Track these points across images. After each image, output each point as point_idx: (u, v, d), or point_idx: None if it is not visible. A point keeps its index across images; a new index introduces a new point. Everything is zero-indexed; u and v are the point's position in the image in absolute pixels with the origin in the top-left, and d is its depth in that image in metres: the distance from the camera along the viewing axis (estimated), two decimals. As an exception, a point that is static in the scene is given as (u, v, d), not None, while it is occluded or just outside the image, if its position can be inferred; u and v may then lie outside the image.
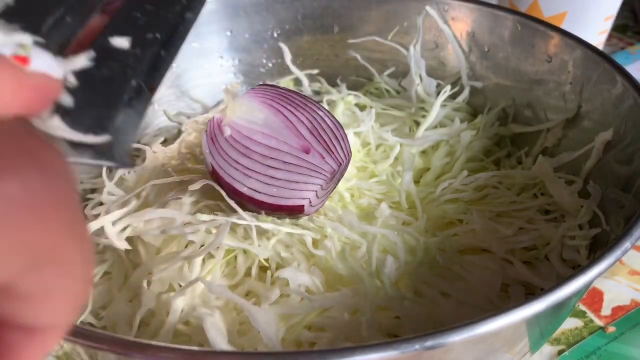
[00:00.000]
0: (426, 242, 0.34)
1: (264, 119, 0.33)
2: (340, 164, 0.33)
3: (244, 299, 0.30)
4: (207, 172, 0.34)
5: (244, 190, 0.31)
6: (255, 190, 0.31)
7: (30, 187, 0.13)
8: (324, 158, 0.32)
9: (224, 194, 0.32)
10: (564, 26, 0.47)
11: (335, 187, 0.35)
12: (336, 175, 0.33)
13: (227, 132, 0.32)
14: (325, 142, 0.33)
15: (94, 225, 0.33)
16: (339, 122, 0.34)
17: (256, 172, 0.32)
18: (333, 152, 0.33)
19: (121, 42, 0.19)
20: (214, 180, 0.33)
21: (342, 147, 0.33)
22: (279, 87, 0.35)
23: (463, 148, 0.43)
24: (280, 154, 0.32)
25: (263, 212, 0.33)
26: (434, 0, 0.46)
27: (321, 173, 0.32)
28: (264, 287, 0.33)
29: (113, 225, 0.33)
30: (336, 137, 0.33)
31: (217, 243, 0.31)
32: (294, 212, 0.32)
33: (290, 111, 0.33)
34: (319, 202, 0.33)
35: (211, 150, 0.33)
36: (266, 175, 0.31)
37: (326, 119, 0.34)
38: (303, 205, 0.32)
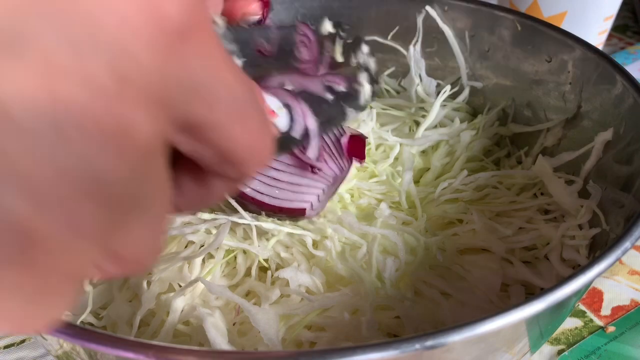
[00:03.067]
0: (426, 242, 0.34)
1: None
2: (343, 169, 0.33)
3: (244, 299, 0.30)
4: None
5: (247, 190, 0.31)
6: (257, 192, 0.31)
7: None
8: (327, 163, 0.32)
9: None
10: (564, 26, 0.47)
11: (336, 191, 0.35)
12: (338, 180, 0.33)
13: None
14: (329, 147, 0.33)
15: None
16: (342, 127, 0.34)
17: (259, 173, 0.32)
18: (336, 157, 0.33)
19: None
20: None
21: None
22: None
23: (463, 148, 0.43)
24: (284, 157, 0.32)
25: (264, 213, 0.33)
26: (434, 0, 0.46)
27: (324, 177, 0.32)
28: (264, 287, 0.33)
29: (113, 226, 0.33)
30: (339, 142, 0.33)
31: (217, 243, 0.31)
32: (295, 214, 0.32)
33: None
34: (320, 206, 0.33)
35: None
36: (269, 177, 0.31)
37: None
38: (305, 209, 0.32)
